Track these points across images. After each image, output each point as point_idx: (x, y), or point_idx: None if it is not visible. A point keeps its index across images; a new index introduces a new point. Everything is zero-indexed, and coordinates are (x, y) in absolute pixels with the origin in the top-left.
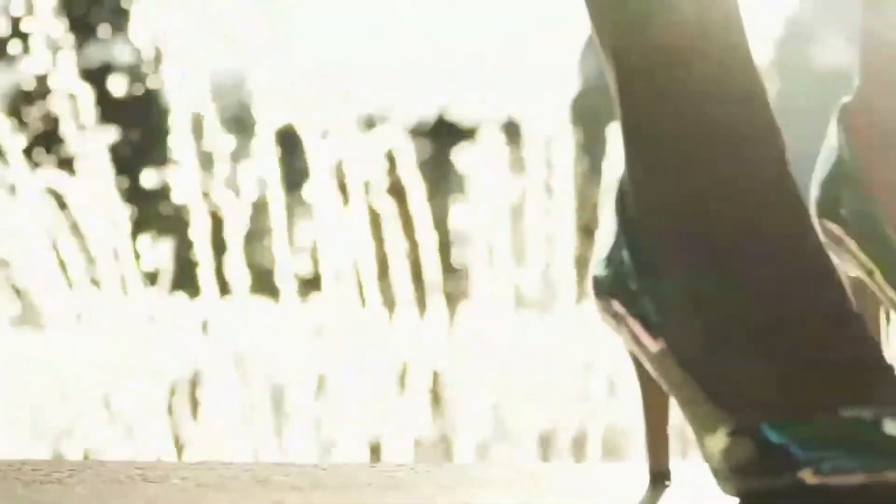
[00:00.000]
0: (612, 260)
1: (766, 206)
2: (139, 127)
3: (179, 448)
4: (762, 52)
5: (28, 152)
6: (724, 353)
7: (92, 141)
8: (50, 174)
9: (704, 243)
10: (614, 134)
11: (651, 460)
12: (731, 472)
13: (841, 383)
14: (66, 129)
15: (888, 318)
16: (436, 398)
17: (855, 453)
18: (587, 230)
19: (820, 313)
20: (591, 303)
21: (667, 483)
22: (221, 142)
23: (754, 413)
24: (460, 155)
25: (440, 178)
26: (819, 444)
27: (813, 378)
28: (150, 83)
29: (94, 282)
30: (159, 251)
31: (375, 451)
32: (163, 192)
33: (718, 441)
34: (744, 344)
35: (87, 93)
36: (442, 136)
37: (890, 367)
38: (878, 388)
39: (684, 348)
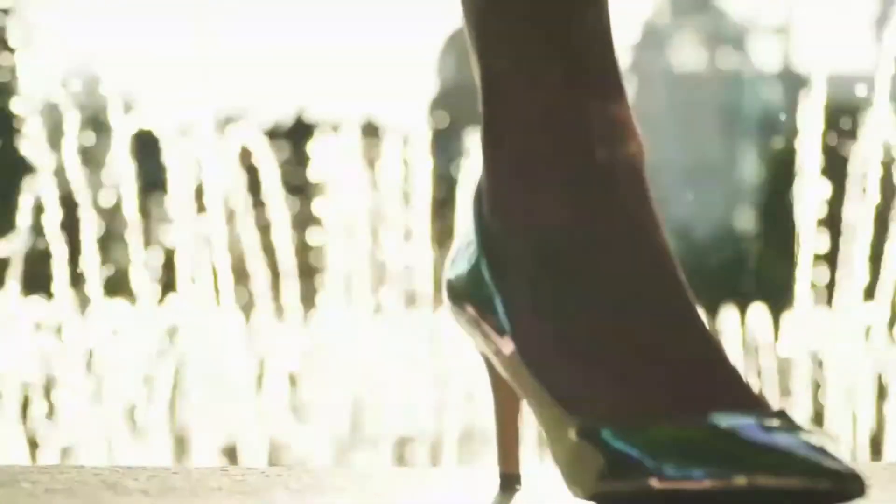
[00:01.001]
0: (466, 262)
1: (612, 210)
2: None
3: (33, 451)
4: (620, 56)
5: None
6: (570, 357)
7: None
8: None
9: (552, 247)
10: (473, 135)
11: (501, 464)
12: (578, 476)
13: (685, 387)
14: None
15: None
16: (293, 401)
17: (700, 458)
18: (445, 231)
19: (663, 317)
20: (446, 306)
21: (517, 487)
22: (77, 143)
23: (599, 417)
24: (318, 155)
25: (298, 178)
26: (663, 450)
27: (656, 382)
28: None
29: None
30: (11, 252)
31: (231, 454)
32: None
33: (566, 444)
34: (589, 348)
35: None
36: (300, 136)
37: (734, 370)
38: (721, 391)
39: (533, 351)
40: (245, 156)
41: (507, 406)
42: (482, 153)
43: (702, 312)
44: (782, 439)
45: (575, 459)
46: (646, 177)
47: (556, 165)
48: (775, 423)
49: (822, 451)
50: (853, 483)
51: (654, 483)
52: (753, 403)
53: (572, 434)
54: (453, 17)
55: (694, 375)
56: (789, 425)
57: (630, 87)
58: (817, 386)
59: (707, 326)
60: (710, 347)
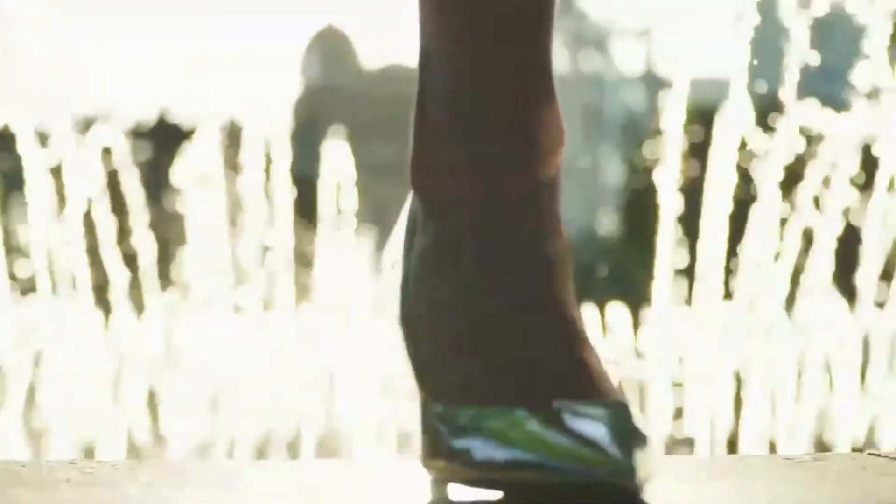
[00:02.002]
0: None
1: (499, 211)
2: None
3: None
4: None
5: None
6: (446, 345)
7: None
8: None
9: (455, 234)
10: (333, 137)
11: None
12: (423, 453)
13: (537, 379)
14: None
15: None
16: (152, 398)
17: (505, 447)
18: (305, 230)
19: (540, 319)
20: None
21: None
22: None
23: (441, 400)
24: (180, 156)
25: (160, 178)
26: (473, 434)
27: (512, 373)
28: None
29: None
30: None
31: (89, 451)
32: None
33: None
34: (462, 340)
35: None
36: (162, 137)
37: (581, 362)
38: (572, 383)
39: (415, 341)
40: (106, 156)
41: None
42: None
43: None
44: (591, 429)
45: (423, 438)
46: (555, 174)
47: (470, 146)
48: (598, 411)
49: (620, 442)
50: (625, 477)
51: (461, 465)
52: (601, 394)
53: (422, 414)
54: (318, 18)
55: (550, 369)
56: (615, 416)
57: None
58: (677, 383)
59: (579, 326)
60: (570, 344)
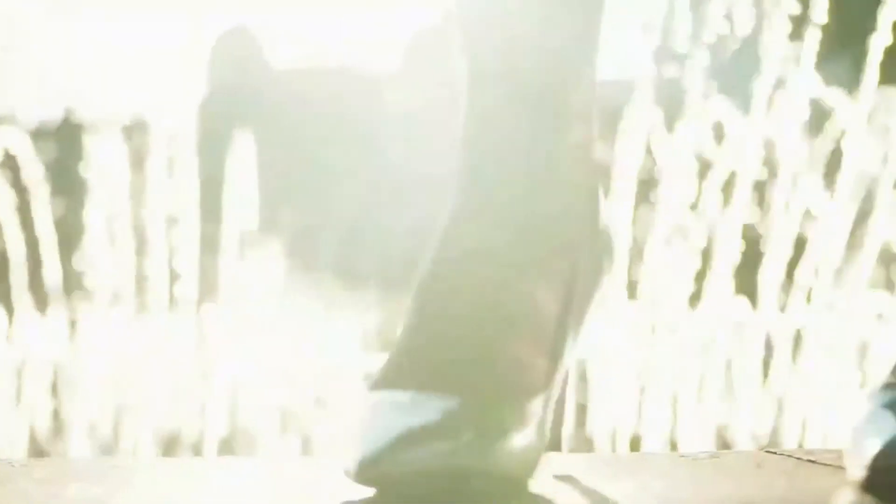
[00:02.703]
0: None
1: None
2: None
3: None
4: (392, 61)
5: None
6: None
7: None
8: None
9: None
10: (240, 137)
11: None
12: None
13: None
14: None
15: None
16: (55, 396)
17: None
18: (212, 231)
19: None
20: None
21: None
22: None
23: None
24: (85, 155)
25: (65, 178)
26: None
27: (455, 372)
28: None
29: None
30: None
31: None
32: None
33: None
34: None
35: None
36: (66, 137)
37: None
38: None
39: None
40: (9, 157)
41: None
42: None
43: None
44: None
45: None
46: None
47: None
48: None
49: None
50: (357, 468)
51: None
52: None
53: None
54: (225, 17)
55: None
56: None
57: (403, 95)
58: (583, 382)
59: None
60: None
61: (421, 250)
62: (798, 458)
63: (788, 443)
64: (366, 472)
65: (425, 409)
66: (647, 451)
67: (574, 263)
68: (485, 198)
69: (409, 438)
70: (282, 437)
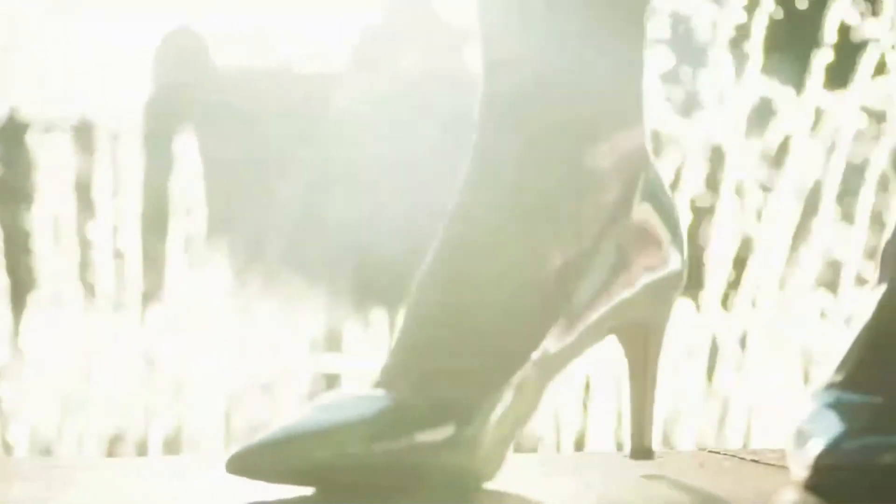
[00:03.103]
0: None
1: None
2: None
3: None
4: (340, 57)
5: None
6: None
7: None
8: None
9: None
10: (185, 137)
11: (634, 437)
12: None
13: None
14: None
15: None
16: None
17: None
18: (154, 233)
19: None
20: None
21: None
22: None
23: None
24: (30, 156)
25: (8, 178)
26: None
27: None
28: None
29: None
30: None
31: None
32: None
33: None
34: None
35: None
36: (11, 137)
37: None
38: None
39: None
40: None
41: (639, 381)
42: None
43: None
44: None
45: None
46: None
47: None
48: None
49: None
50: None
51: None
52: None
53: None
54: (170, 18)
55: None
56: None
57: (350, 93)
58: None
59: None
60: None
61: (368, 249)
62: (741, 458)
63: (732, 443)
64: (229, 464)
65: (350, 408)
66: (592, 451)
67: (589, 259)
68: (495, 193)
69: (292, 436)
70: (227, 436)
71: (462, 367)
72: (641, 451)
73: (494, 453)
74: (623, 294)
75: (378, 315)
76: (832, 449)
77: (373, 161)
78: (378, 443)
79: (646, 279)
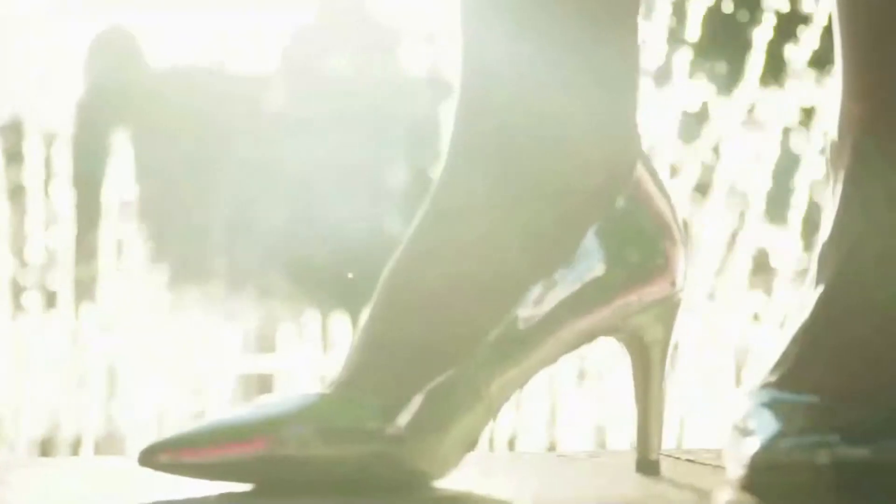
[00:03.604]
0: None
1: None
2: None
3: None
4: (271, 57)
5: None
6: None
7: None
8: None
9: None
10: (118, 135)
11: (639, 448)
12: None
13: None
14: None
15: None
16: None
17: None
18: (86, 234)
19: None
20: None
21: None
22: None
23: None
24: None
25: None
26: None
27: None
28: None
29: None
30: None
31: None
32: None
33: None
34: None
35: None
36: None
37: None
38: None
39: None
40: None
41: (646, 390)
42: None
43: (345, 313)
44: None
45: None
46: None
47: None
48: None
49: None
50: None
51: None
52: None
53: None
54: (103, 17)
55: None
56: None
57: (281, 94)
58: None
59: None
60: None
61: (298, 249)
62: (676, 458)
63: (667, 443)
64: (141, 457)
65: (284, 405)
66: (523, 451)
67: (563, 263)
68: (466, 200)
69: (215, 429)
70: (159, 436)
71: (410, 365)
72: (646, 464)
73: (446, 453)
74: (603, 303)
75: (311, 316)
76: (768, 447)
77: (304, 161)
78: (311, 438)
79: (634, 288)
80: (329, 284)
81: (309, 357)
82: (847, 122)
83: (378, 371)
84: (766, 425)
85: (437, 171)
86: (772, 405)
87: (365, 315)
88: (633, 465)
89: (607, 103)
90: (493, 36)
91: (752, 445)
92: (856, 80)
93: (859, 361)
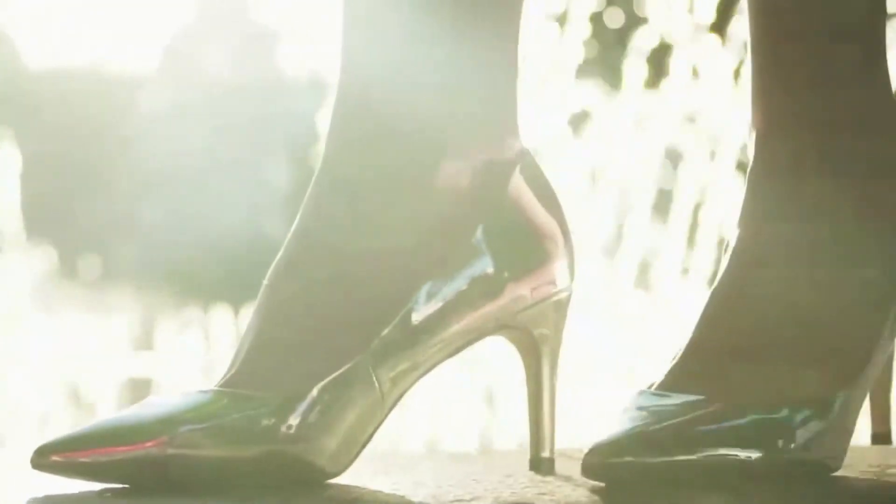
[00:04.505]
0: None
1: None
2: None
3: None
4: (150, 59)
5: None
6: None
7: None
8: None
9: None
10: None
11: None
12: None
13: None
14: None
15: None
16: None
17: None
18: None
19: None
20: None
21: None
22: None
23: None
24: None
25: None
26: None
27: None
28: None
29: None
30: None
31: None
32: None
33: None
34: None
35: None
36: None
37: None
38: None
39: None
40: None
41: (538, 388)
42: None
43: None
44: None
45: None
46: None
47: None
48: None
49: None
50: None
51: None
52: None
53: None
54: None
55: None
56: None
57: (160, 95)
58: None
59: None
60: None
61: (178, 248)
62: (569, 457)
63: (567, 442)
64: (33, 460)
65: (171, 404)
66: (416, 450)
67: (440, 265)
68: (341, 198)
69: (102, 430)
70: (39, 435)
71: (302, 363)
72: (539, 462)
73: (339, 451)
74: (489, 301)
75: (192, 317)
76: (608, 443)
77: (184, 160)
78: (204, 437)
79: (522, 285)
80: (209, 282)
81: (190, 355)
82: (753, 123)
83: (270, 368)
84: (627, 424)
85: (316, 169)
86: (641, 409)
87: (252, 313)
88: (523, 462)
89: (487, 103)
90: (372, 36)
91: (597, 440)
92: (756, 83)
93: (731, 363)
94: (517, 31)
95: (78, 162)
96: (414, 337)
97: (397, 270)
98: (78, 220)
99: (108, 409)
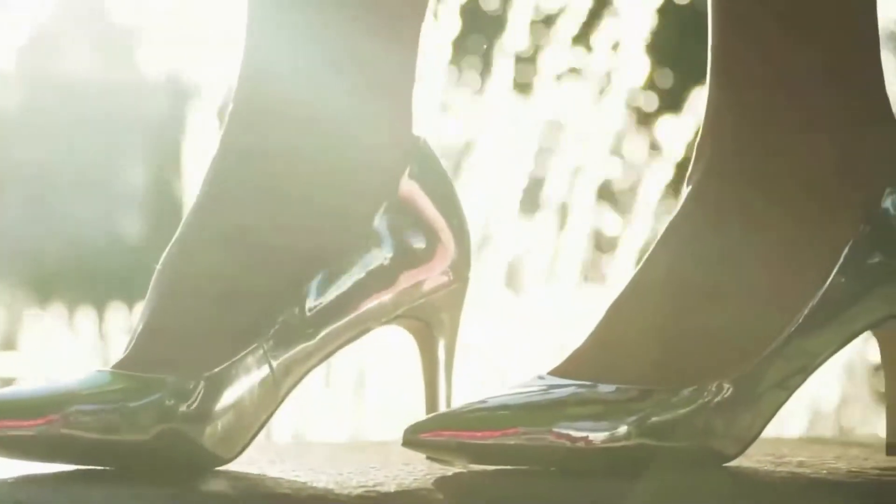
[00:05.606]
0: None
1: None
2: None
3: None
4: (5, 59)
5: None
6: None
7: None
8: None
9: None
10: None
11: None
12: None
13: None
14: None
15: None
16: None
17: None
18: None
19: None
20: None
21: None
22: None
23: None
24: None
25: None
26: None
27: None
28: None
29: None
30: None
31: None
32: None
33: None
34: None
35: None
36: None
37: None
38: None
39: None
40: None
41: (433, 378)
42: None
43: (92, 312)
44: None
45: None
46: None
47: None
48: None
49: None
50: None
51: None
52: None
53: None
54: None
55: None
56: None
57: (17, 94)
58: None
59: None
60: None
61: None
62: None
63: None
64: None
65: (55, 383)
66: (313, 440)
67: (338, 252)
68: (237, 188)
69: None
70: None
71: (198, 348)
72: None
73: (234, 435)
74: (384, 289)
75: (55, 314)
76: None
77: (40, 162)
78: (103, 417)
79: (417, 274)
80: (74, 283)
81: (53, 356)
82: (703, 129)
83: (165, 351)
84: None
85: (173, 173)
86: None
87: (147, 294)
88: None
89: (383, 94)
90: (274, 24)
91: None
92: (711, 87)
93: (623, 353)
94: (418, 27)
95: None
96: (309, 324)
97: (292, 258)
98: None
99: None
